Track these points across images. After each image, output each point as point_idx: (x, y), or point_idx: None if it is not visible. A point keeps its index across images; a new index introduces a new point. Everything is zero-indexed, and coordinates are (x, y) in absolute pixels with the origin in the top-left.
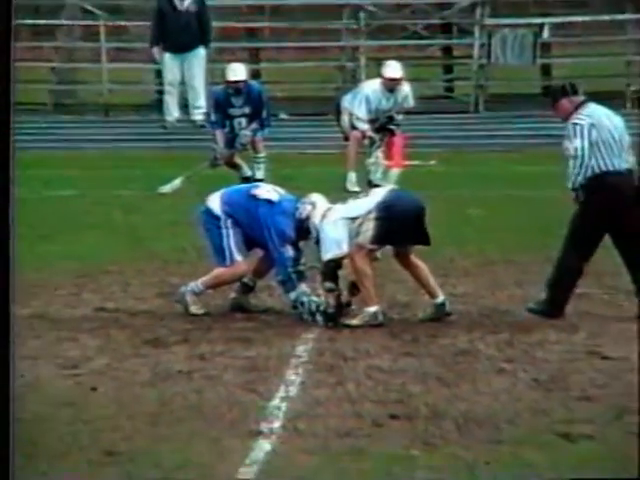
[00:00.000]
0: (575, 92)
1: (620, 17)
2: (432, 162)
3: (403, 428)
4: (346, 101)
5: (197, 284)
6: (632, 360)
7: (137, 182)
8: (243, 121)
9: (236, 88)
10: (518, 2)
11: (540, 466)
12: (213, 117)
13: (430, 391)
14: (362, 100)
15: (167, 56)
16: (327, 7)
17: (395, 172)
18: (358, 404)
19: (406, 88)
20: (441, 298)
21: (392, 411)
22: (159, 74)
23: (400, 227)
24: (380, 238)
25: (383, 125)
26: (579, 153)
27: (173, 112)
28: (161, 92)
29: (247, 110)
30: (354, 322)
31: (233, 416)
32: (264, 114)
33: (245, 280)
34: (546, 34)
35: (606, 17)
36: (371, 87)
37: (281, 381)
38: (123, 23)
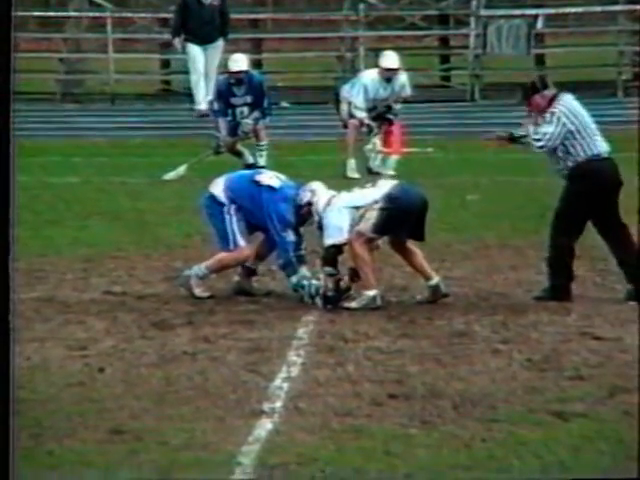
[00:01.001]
0: (545, 86)
1: (612, 8)
2: (429, 149)
3: (401, 407)
4: (345, 90)
5: (201, 268)
6: (624, 341)
7: (142, 169)
8: (245, 110)
9: (238, 78)
10: None
11: (534, 444)
12: (216, 106)
13: (427, 371)
14: (360, 89)
15: (194, 47)
16: None
17: (394, 159)
18: (357, 384)
19: (403, 77)
20: (435, 280)
21: (390, 391)
22: (164, 64)
23: (402, 220)
24: (381, 228)
25: (381, 114)
26: (546, 137)
27: (203, 101)
28: (167, 82)
29: (249, 99)
30: (353, 305)
31: (236, 396)
32: (265, 103)
33: (248, 264)
34: (540, 25)
35: (598, 8)
36: (369, 77)
37: (283, 362)
38: (129, 15)
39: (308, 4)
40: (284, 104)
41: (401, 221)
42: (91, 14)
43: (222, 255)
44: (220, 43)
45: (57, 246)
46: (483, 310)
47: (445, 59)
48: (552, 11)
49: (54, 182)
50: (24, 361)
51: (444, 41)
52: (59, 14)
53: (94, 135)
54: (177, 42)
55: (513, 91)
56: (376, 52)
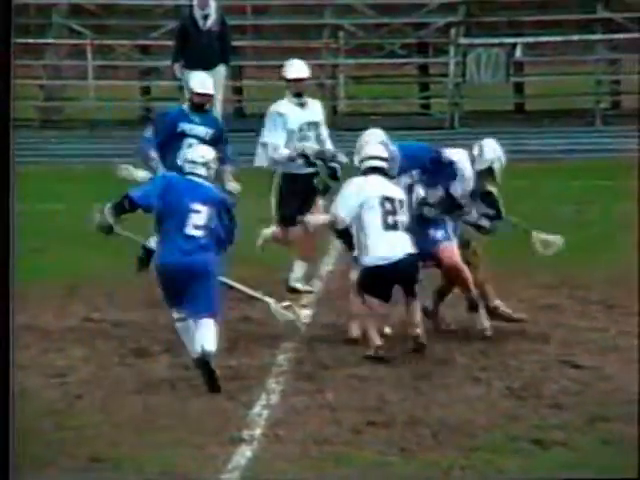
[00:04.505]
0: None
1: (590, 37)
2: None
3: (380, 435)
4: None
5: None
6: (603, 369)
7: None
8: (196, 144)
9: (200, 103)
10: (491, 22)
11: (513, 472)
12: (149, 133)
13: (407, 399)
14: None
15: (189, 74)
16: (308, 27)
17: None
18: (337, 412)
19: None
20: None
21: (370, 418)
22: (145, 91)
23: None
24: None
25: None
26: None
27: None
28: (147, 109)
29: (208, 134)
30: None
31: (215, 424)
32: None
33: None
34: (519, 53)
35: (576, 37)
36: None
37: (262, 389)
38: (109, 42)
39: (288, 32)
40: None
41: None
42: (71, 41)
43: None
44: (221, 69)
45: (38, 273)
46: (463, 338)
47: (425, 87)
48: (531, 40)
49: (34, 209)
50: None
51: (423, 69)
52: (38, 41)
53: (74, 162)
54: (176, 68)
55: (492, 119)
56: (356, 80)
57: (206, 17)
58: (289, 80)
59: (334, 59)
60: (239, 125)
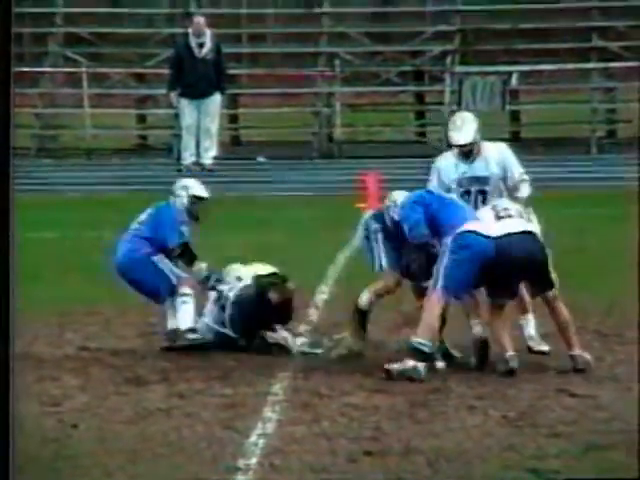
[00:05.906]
0: None
1: (585, 66)
2: None
3: (376, 464)
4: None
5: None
6: (599, 398)
7: (118, 224)
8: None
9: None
10: (487, 51)
11: None
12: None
13: (403, 428)
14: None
15: (184, 102)
16: (303, 55)
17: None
18: (333, 441)
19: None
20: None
21: (366, 447)
22: (141, 119)
23: None
24: None
25: None
26: None
27: (189, 156)
28: (143, 137)
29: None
30: None
31: (211, 452)
32: None
33: None
34: (514, 82)
35: (572, 66)
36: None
37: (258, 418)
38: (104, 70)
39: (284, 60)
40: (260, 159)
41: None
42: (66, 69)
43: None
44: (217, 97)
45: (32, 301)
46: (458, 365)
47: (420, 115)
48: (526, 68)
49: (29, 237)
50: None
51: (419, 97)
52: (34, 69)
53: (69, 190)
54: (172, 96)
55: None
56: (352, 107)
57: (201, 45)
58: (451, 145)
59: (330, 87)
60: (235, 153)
